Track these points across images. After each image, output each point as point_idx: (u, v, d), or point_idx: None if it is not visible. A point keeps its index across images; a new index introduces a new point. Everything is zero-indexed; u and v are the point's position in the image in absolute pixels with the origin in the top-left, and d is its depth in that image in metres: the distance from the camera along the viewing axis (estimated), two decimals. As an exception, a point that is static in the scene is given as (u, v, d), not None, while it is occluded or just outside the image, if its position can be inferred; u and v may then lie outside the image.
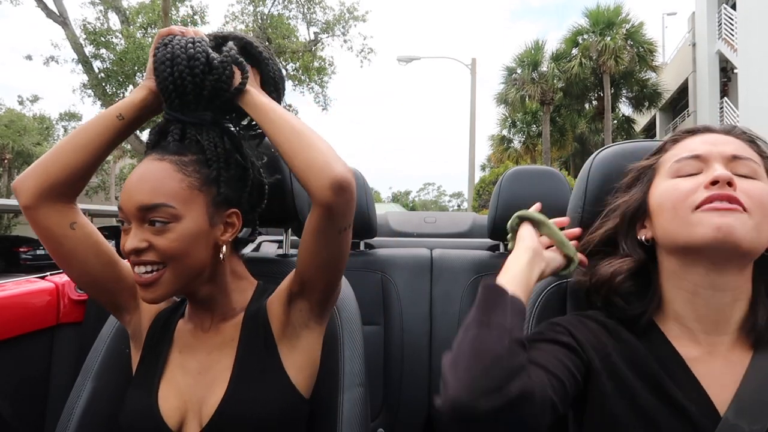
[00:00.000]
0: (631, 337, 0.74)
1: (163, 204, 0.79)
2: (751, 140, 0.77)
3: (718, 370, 0.69)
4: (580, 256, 0.87)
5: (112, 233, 18.62)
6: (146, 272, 0.79)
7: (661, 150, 0.81)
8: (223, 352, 0.87)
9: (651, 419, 0.67)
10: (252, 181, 0.90)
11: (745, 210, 0.66)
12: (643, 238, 0.78)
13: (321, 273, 0.83)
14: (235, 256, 0.92)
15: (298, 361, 0.87)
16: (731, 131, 0.77)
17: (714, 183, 0.68)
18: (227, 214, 0.86)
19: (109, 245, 0.89)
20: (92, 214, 18.48)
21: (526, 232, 0.86)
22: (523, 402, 0.59)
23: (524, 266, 0.78)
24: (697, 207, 0.68)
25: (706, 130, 0.78)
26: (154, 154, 0.84)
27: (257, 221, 0.96)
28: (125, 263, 0.90)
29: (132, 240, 0.79)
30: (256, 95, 0.84)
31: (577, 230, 0.91)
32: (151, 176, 0.80)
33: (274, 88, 0.91)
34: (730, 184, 0.68)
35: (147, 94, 0.85)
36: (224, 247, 0.85)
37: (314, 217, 0.78)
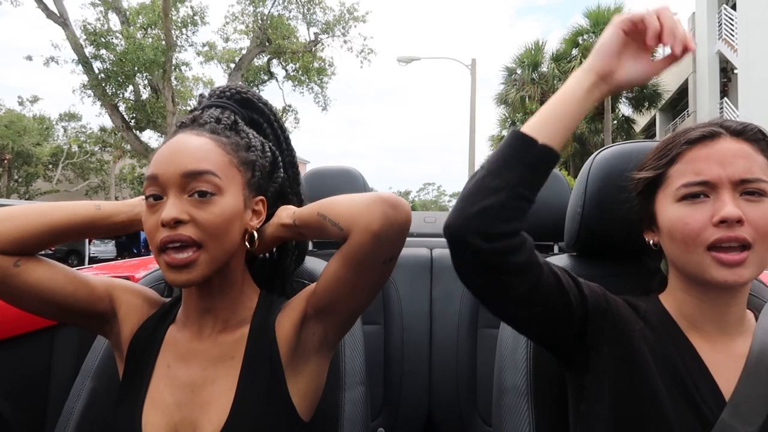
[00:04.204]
0: (658, 325, 0.76)
1: (209, 171, 0.75)
2: (762, 139, 0.74)
3: (723, 364, 0.73)
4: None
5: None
6: (180, 250, 0.73)
7: (667, 161, 0.76)
8: (221, 370, 0.79)
9: (665, 407, 0.70)
10: (281, 177, 0.88)
11: (751, 245, 0.68)
12: (651, 242, 0.80)
13: (348, 301, 0.77)
14: (244, 258, 0.87)
15: (303, 388, 0.80)
16: (743, 132, 0.73)
17: (722, 221, 0.68)
18: (256, 200, 0.83)
19: (64, 266, 0.82)
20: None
21: (606, 36, 0.73)
22: (509, 259, 0.66)
23: (581, 94, 0.72)
24: (708, 248, 0.69)
25: (716, 136, 0.73)
26: (190, 130, 0.80)
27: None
28: (87, 273, 0.85)
29: (171, 209, 0.72)
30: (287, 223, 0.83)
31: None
32: (193, 146, 0.77)
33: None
34: (738, 220, 0.68)
35: (130, 210, 0.84)
36: (255, 234, 0.82)
37: (354, 242, 0.71)
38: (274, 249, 0.93)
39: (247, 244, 0.82)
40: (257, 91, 0.95)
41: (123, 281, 0.89)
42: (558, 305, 0.71)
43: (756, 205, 0.69)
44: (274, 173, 0.88)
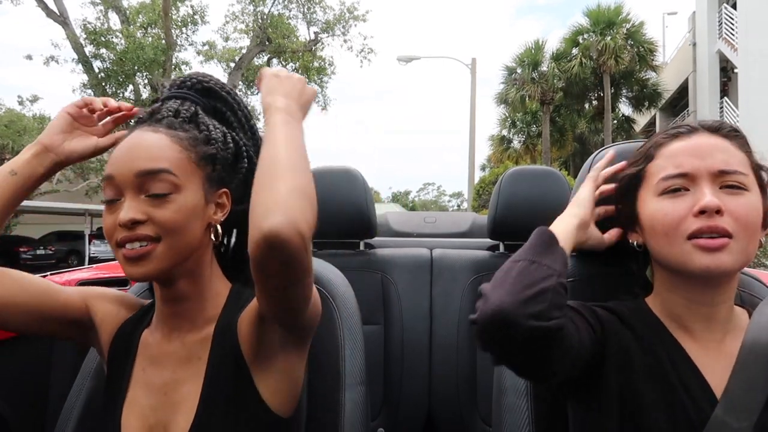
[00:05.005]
0: (644, 328, 0.76)
1: (165, 170, 0.74)
2: (738, 135, 0.76)
3: (714, 362, 0.73)
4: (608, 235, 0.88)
5: (112, 233, 18.61)
6: (139, 246, 0.72)
7: (646, 158, 0.79)
8: (189, 371, 0.79)
9: (654, 411, 0.70)
10: (245, 167, 0.86)
11: (731, 236, 0.68)
12: (635, 243, 0.80)
13: (274, 313, 0.71)
14: (212, 252, 0.84)
15: (274, 384, 0.78)
16: (719, 129, 0.75)
17: (702, 212, 0.69)
18: (219, 194, 0.81)
19: (35, 277, 0.82)
20: (92, 214, 18.49)
21: (585, 193, 0.85)
22: (556, 336, 0.64)
23: (571, 230, 0.80)
24: (689, 237, 0.70)
25: (693, 131, 0.76)
26: (147, 126, 0.79)
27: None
28: (59, 285, 0.85)
29: (128, 211, 0.71)
30: (278, 121, 0.74)
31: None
32: (148, 144, 0.76)
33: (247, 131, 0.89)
34: (718, 211, 0.68)
35: (39, 149, 0.83)
36: (218, 227, 0.81)
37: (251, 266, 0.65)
38: (228, 235, 0.89)
39: (212, 237, 0.81)
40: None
41: (97, 289, 0.90)
42: (583, 356, 0.71)
43: (736, 197, 0.70)
44: (238, 164, 0.86)
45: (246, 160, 0.86)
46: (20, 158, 0.83)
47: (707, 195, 0.69)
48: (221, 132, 0.84)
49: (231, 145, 0.85)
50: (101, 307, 0.87)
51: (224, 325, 0.80)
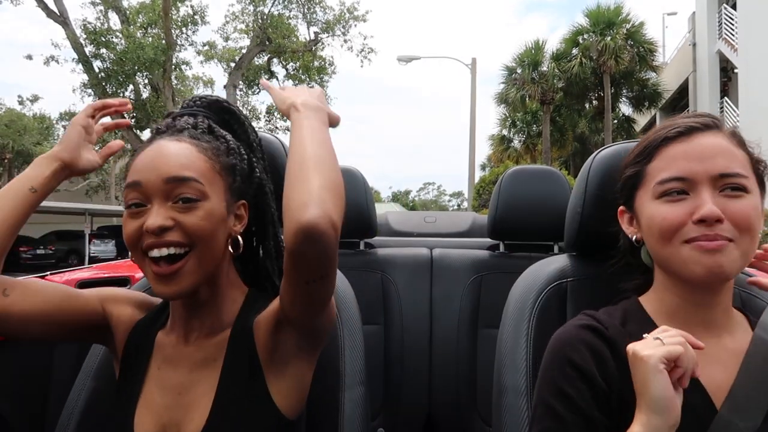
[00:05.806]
0: (639, 333, 0.73)
1: (193, 178, 0.75)
2: (734, 132, 0.74)
3: (710, 364, 0.71)
4: None
5: (112, 233, 18.65)
6: (168, 256, 0.73)
7: (645, 157, 0.76)
8: (204, 372, 0.80)
9: None
10: (258, 180, 0.88)
11: (732, 240, 0.67)
12: (634, 238, 0.80)
13: (298, 311, 0.75)
14: (229, 260, 0.85)
15: (285, 388, 0.79)
16: (717, 127, 0.73)
17: (702, 220, 0.67)
18: (238, 205, 0.83)
19: (54, 284, 0.84)
20: (92, 214, 18.51)
21: (664, 391, 0.61)
22: None
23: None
24: (686, 241, 0.69)
25: (692, 131, 0.73)
26: (169, 136, 0.80)
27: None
28: (76, 290, 0.86)
29: (156, 217, 0.72)
30: (301, 118, 0.78)
31: None
32: (175, 152, 0.77)
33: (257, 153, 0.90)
34: (718, 219, 0.67)
35: (59, 167, 0.85)
36: (239, 239, 0.82)
37: (284, 258, 0.70)
38: (253, 248, 0.91)
39: (230, 249, 0.82)
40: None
41: (111, 290, 0.91)
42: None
43: (736, 200, 0.68)
44: (252, 175, 0.87)
45: (257, 172, 0.87)
46: (39, 174, 0.83)
47: (707, 203, 0.67)
48: (236, 144, 0.86)
49: (245, 156, 0.86)
50: (116, 308, 0.88)
51: (240, 328, 0.81)
